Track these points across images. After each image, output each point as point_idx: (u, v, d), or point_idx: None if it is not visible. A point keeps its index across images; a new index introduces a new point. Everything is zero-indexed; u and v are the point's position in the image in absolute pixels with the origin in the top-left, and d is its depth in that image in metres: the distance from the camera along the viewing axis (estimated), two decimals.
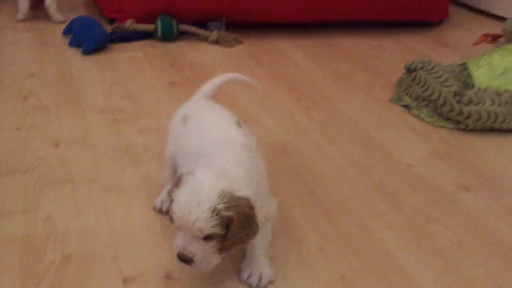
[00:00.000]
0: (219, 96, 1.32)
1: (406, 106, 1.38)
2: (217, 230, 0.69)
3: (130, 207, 0.95)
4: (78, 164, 1.06)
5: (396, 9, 1.91)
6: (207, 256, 0.72)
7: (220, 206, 0.69)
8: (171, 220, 0.73)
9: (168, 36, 1.72)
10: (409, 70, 1.45)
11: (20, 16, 1.83)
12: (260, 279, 0.79)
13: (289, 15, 1.83)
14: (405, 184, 1.07)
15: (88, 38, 1.60)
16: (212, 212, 0.69)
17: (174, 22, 1.71)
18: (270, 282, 0.80)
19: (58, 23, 1.81)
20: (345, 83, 1.52)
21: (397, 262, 0.86)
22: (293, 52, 1.72)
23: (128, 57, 1.60)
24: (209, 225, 0.69)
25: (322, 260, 0.85)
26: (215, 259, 0.73)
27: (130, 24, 1.71)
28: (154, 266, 0.82)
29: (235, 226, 0.70)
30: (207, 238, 0.70)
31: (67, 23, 1.73)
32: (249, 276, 0.80)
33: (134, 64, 1.55)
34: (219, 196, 0.69)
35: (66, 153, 1.09)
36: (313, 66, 1.62)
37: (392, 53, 1.77)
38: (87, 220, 0.91)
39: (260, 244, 0.80)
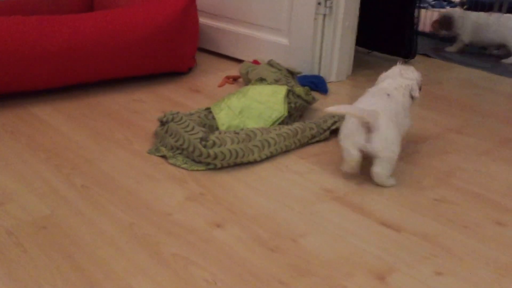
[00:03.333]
0: None
1: (164, 156, 1.42)
2: None
3: None
4: None
5: (148, 63, 1.96)
6: None
7: None
8: None
9: None
10: (162, 122, 1.50)
11: None
12: None
13: (42, 81, 1.77)
14: (165, 233, 1.09)
15: None
16: None
17: None
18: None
19: None
20: (106, 141, 1.51)
21: None
22: (53, 118, 1.65)
23: None
24: None
25: None
26: None
27: None
28: None
29: None
30: None
31: None
32: None
33: None
34: None
35: None
36: (74, 130, 1.58)
37: (150, 105, 1.81)
38: None
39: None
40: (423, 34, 2.88)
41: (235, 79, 2.04)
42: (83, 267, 0.98)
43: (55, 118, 1.65)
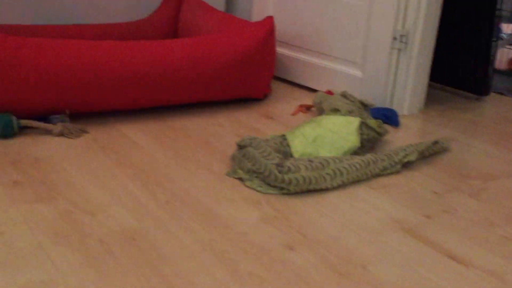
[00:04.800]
0: (63, 189, 1.33)
1: (240, 179, 1.50)
2: None
3: None
4: None
5: (227, 89, 2.06)
6: None
7: None
8: None
9: (8, 133, 1.67)
10: (240, 146, 1.58)
11: None
12: None
13: (131, 101, 1.90)
14: (242, 252, 1.16)
15: None
16: None
17: (14, 118, 1.67)
18: None
19: None
20: (187, 162, 1.61)
21: None
22: (138, 137, 1.78)
23: None
24: None
25: None
26: None
27: None
28: None
29: None
30: None
31: None
32: None
33: None
34: None
35: None
36: (158, 149, 1.69)
37: (227, 128, 1.90)
38: None
39: None
40: (499, 72, 2.85)
41: (308, 108, 2.11)
42: (168, 278, 1.06)
43: (141, 137, 1.77)
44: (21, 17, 2.58)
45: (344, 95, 1.90)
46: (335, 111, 1.75)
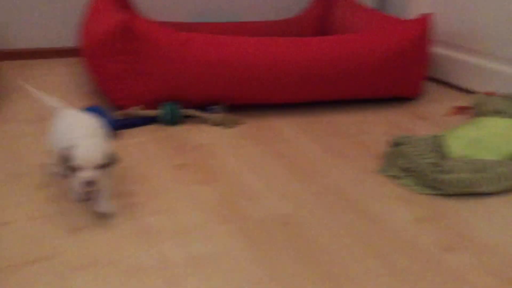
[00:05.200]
0: (222, 173, 1.42)
1: (393, 176, 1.48)
2: None
3: None
4: (98, 247, 1.11)
5: (378, 87, 2.04)
6: None
7: None
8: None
9: (174, 121, 1.81)
10: (393, 145, 1.56)
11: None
12: None
13: (284, 96, 1.96)
14: (396, 249, 1.15)
15: None
16: None
17: (179, 107, 1.81)
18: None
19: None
20: (337, 156, 1.62)
21: None
22: (291, 130, 1.83)
23: (137, 142, 1.66)
24: None
25: None
26: None
27: (136, 110, 1.79)
28: None
29: None
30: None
31: None
32: None
33: (143, 149, 1.61)
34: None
35: (84, 238, 1.14)
36: (309, 142, 1.72)
37: (376, 126, 1.88)
38: None
39: None
40: None
41: (464, 110, 2.01)
42: (321, 264, 1.09)
43: (292, 130, 1.82)
44: (183, 15, 2.79)
45: (507, 97, 1.78)
46: (498, 113, 1.66)
